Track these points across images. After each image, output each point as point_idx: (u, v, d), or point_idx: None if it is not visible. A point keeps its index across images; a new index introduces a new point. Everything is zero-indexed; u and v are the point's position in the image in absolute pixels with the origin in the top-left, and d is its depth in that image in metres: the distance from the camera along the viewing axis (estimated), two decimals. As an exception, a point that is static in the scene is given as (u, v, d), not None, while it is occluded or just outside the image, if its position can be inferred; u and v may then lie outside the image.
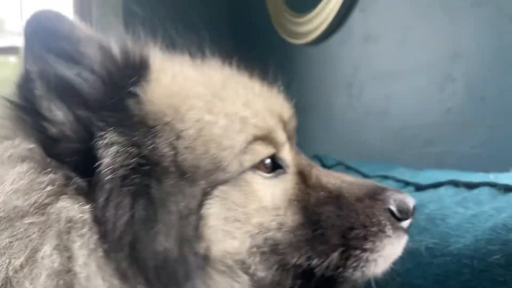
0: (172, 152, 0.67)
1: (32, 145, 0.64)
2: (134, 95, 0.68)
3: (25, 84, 0.66)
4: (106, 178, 0.63)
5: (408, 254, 1.00)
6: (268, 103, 0.83)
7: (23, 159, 0.63)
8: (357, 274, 0.79)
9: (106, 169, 0.64)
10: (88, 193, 0.63)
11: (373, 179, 1.37)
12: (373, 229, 0.79)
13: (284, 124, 0.85)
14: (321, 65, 2.98)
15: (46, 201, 0.60)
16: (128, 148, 0.65)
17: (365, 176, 1.58)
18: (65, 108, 0.65)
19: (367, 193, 0.83)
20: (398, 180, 1.44)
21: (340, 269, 0.77)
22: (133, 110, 0.68)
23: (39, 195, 0.59)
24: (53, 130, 0.65)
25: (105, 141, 0.65)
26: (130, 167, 0.65)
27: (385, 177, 1.49)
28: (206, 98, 0.74)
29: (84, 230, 0.60)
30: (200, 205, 0.67)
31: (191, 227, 0.66)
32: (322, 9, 2.74)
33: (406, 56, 2.30)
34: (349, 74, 2.69)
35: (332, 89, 2.87)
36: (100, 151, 0.64)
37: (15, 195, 0.58)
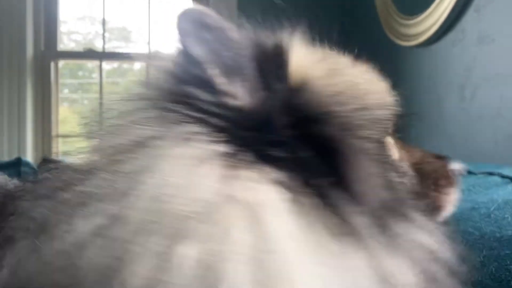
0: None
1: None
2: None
3: (193, 68, 0.68)
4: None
5: (507, 241, 1.01)
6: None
7: (205, 160, 0.62)
8: None
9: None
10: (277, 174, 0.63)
11: (477, 175, 1.43)
12: None
13: None
14: (431, 67, 2.93)
15: (235, 192, 0.60)
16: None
17: (469, 172, 1.57)
18: (240, 81, 0.67)
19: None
20: (503, 176, 1.42)
21: None
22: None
23: (230, 188, 0.60)
24: (234, 101, 0.66)
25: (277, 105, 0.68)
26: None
27: (491, 174, 1.48)
28: None
29: (277, 207, 0.60)
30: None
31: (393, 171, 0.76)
32: (433, 10, 2.71)
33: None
34: (462, 76, 2.63)
35: (443, 92, 2.81)
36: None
37: (203, 192, 0.59)
